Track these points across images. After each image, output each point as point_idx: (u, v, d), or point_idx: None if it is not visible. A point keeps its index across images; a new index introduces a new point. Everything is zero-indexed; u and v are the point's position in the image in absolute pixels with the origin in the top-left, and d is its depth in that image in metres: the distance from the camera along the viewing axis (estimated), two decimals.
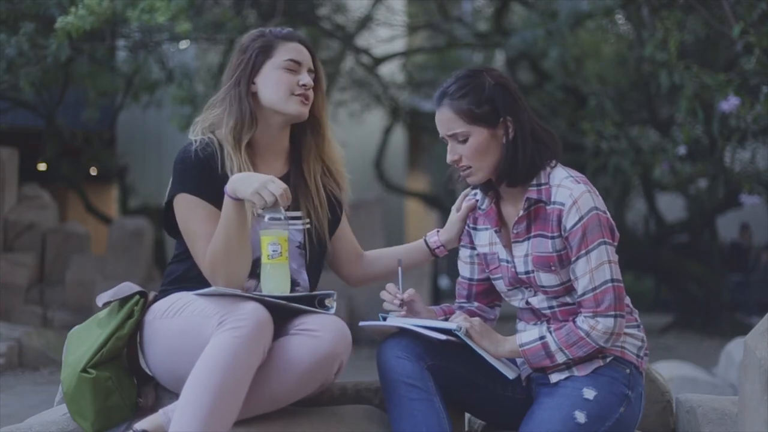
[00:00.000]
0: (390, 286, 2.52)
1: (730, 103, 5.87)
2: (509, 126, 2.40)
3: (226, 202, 2.35)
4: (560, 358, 2.36)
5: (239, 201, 2.33)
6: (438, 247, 2.69)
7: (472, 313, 2.61)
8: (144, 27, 7.44)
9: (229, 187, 2.34)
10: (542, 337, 2.37)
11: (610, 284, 2.33)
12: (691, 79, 6.46)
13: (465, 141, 2.40)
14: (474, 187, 2.58)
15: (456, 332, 2.34)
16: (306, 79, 2.52)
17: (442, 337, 2.34)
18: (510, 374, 2.40)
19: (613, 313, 2.33)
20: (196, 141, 2.50)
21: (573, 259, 2.35)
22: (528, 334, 2.41)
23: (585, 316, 2.34)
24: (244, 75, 2.51)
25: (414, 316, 2.51)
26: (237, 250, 2.36)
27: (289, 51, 2.53)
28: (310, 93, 2.54)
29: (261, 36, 2.55)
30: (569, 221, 2.34)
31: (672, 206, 14.02)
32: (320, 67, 2.61)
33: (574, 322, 2.36)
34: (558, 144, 2.47)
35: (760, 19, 5.54)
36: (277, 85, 2.50)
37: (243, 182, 2.32)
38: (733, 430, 2.48)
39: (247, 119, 2.48)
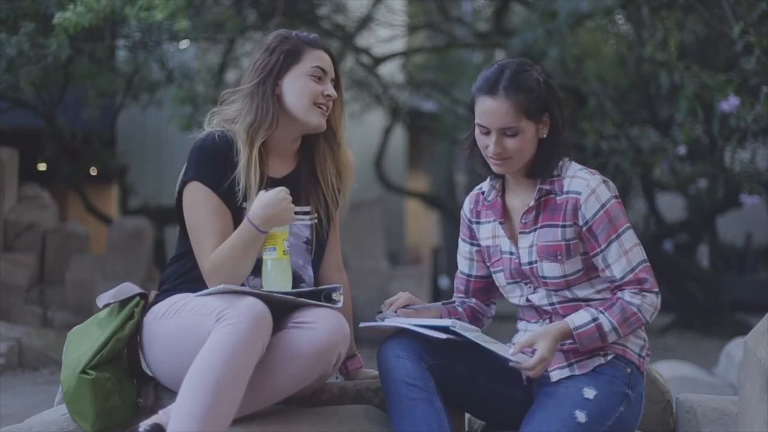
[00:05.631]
0: (402, 299, 2.54)
1: (730, 103, 5.87)
2: (551, 121, 2.43)
3: (256, 236, 2.36)
4: (612, 338, 2.37)
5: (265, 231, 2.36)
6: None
7: (471, 310, 2.63)
8: (143, 26, 7.43)
9: (262, 225, 2.35)
10: (595, 319, 2.35)
11: (645, 264, 2.39)
12: (691, 79, 6.45)
13: (514, 135, 2.39)
14: (488, 178, 2.58)
15: (452, 328, 2.34)
16: (331, 89, 2.55)
17: (443, 336, 2.34)
18: (507, 353, 2.35)
19: (656, 290, 2.39)
20: (216, 131, 2.50)
21: (602, 246, 2.37)
22: (579, 317, 2.37)
23: (632, 292, 2.36)
24: (270, 76, 2.51)
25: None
26: (246, 269, 2.39)
27: (315, 58, 2.54)
28: (331, 103, 2.56)
29: (288, 38, 2.55)
30: (589, 210, 2.37)
31: (672, 206, 14.01)
32: (341, 78, 2.63)
33: (623, 298, 2.37)
34: (570, 146, 2.50)
35: (760, 19, 5.53)
36: (301, 93, 2.51)
37: (276, 217, 2.36)
38: (733, 430, 2.48)
39: (268, 120, 2.48)
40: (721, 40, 8.29)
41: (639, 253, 2.39)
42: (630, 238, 2.39)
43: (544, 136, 2.44)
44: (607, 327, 2.35)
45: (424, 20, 13.25)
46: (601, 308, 2.38)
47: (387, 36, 12.69)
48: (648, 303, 2.37)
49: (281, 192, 2.40)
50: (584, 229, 2.39)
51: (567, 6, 8.57)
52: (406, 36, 14.32)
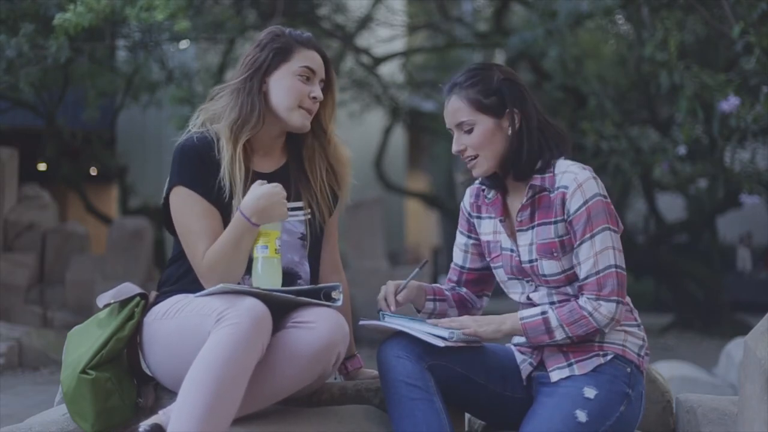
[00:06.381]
0: (390, 287, 2.52)
1: (730, 103, 5.86)
2: (515, 118, 2.43)
3: (248, 228, 2.35)
4: (559, 335, 2.36)
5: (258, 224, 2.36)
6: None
7: (459, 297, 2.63)
8: (143, 26, 7.44)
9: (254, 216, 2.34)
10: (544, 312, 2.38)
11: (613, 269, 2.34)
12: (691, 79, 6.45)
13: (470, 131, 2.43)
14: (482, 182, 2.58)
15: (450, 338, 2.34)
16: (317, 92, 2.52)
17: (440, 343, 2.34)
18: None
19: (615, 298, 2.34)
20: (195, 133, 2.49)
21: (576, 243, 2.36)
22: (530, 309, 2.42)
23: (588, 298, 2.35)
24: (258, 72, 2.49)
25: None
26: (240, 263, 2.38)
27: (305, 58, 2.52)
28: (316, 105, 2.55)
29: (280, 36, 2.53)
30: (573, 204, 2.36)
31: (672, 206, 14.02)
32: (334, 77, 2.61)
33: (577, 301, 2.36)
34: (567, 141, 2.49)
35: (760, 19, 5.53)
36: (287, 92, 2.49)
37: (269, 210, 2.35)
38: (733, 430, 2.48)
39: (253, 117, 2.47)
40: (721, 40, 8.29)
41: (610, 257, 2.34)
42: (604, 240, 2.34)
43: (509, 133, 2.42)
44: (553, 323, 2.36)
45: (424, 20, 13.27)
46: (554, 306, 2.39)
47: (387, 36, 12.70)
48: (602, 311, 2.33)
49: (276, 187, 2.39)
50: (567, 222, 2.38)
51: (567, 6, 8.57)
52: (406, 36, 14.33)
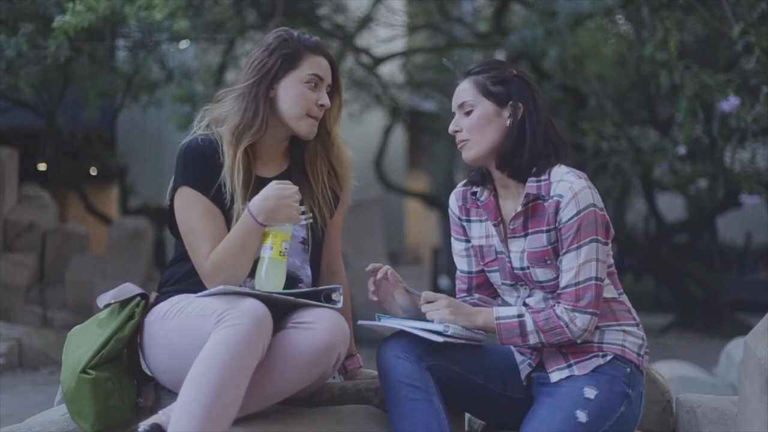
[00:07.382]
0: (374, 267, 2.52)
1: (730, 103, 5.87)
2: (518, 111, 2.43)
3: (254, 227, 2.35)
4: (533, 340, 2.37)
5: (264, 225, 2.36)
6: None
7: (473, 305, 2.59)
8: (143, 26, 7.44)
9: (260, 216, 2.34)
10: (520, 315, 2.38)
11: (593, 282, 2.35)
12: (691, 79, 6.46)
13: (470, 113, 2.45)
14: (471, 181, 2.58)
15: (445, 333, 2.34)
16: (324, 99, 2.52)
17: (439, 339, 2.34)
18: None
19: (591, 310, 2.35)
20: (199, 134, 2.50)
21: (563, 251, 2.36)
22: (506, 309, 2.41)
23: (564, 308, 2.35)
24: (265, 78, 2.48)
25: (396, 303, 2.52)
26: (244, 264, 2.38)
27: (313, 65, 2.51)
28: (323, 111, 2.54)
29: (288, 41, 2.52)
30: (566, 214, 2.35)
31: (672, 206, 14.01)
32: (341, 81, 2.62)
33: (554, 309, 2.36)
34: (567, 149, 2.48)
35: (760, 19, 5.53)
36: (296, 100, 2.49)
37: (275, 211, 2.34)
38: (733, 430, 2.48)
39: (256, 123, 2.46)
40: (721, 40, 8.29)
41: (592, 270, 2.34)
42: (590, 252, 2.34)
43: (508, 124, 2.43)
44: (529, 327, 2.36)
45: (424, 20, 13.25)
46: (530, 309, 2.39)
47: (387, 36, 12.69)
48: (577, 323, 2.34)
49: (288, 189, 2.38)
50: (557, 230, 2.38)
51: (567, 6, 8.57)
52: (406, 36, 14.32)
